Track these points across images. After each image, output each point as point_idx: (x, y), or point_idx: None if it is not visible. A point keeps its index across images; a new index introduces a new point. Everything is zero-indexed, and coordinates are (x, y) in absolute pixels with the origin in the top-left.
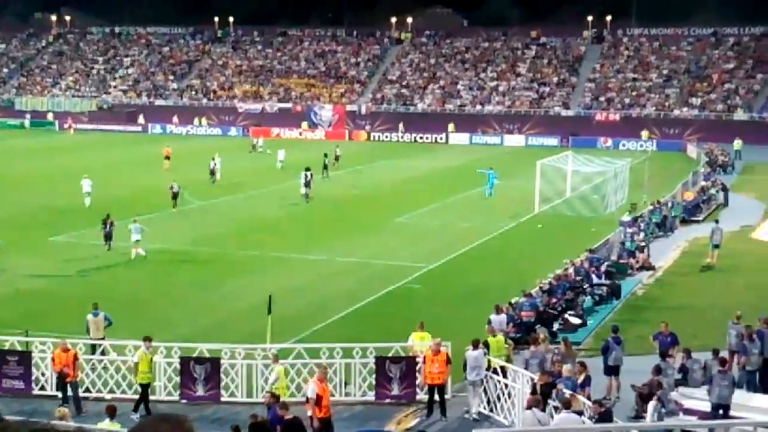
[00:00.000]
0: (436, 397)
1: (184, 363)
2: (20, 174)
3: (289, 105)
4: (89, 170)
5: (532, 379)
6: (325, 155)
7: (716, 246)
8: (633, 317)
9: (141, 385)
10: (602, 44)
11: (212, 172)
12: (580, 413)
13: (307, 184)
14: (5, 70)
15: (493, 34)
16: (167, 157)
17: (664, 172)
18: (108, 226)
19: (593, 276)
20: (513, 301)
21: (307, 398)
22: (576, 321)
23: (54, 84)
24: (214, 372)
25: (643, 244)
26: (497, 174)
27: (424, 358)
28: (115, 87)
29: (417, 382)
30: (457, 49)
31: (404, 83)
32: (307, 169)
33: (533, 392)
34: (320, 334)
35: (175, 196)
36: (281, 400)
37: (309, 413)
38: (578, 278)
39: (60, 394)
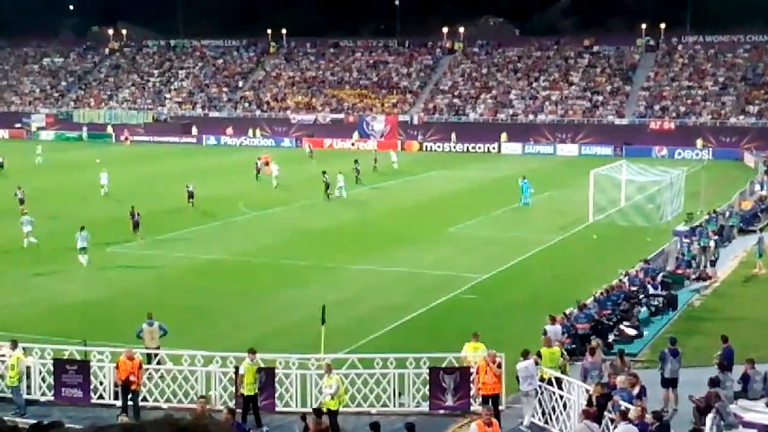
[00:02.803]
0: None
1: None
2: (78, 185)
3: (341, 116)
4: (145, 181)
5: (588, 391)
6: (356, 161)
7: (760, 255)
8: (690, 328)
9: (245, 396)
10: (656, 52)
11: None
12: (645, 425)
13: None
14: (63, 83)
15: (545, 43)
16: (267, 163)
17: (720, 181)
18: (135, 216)
19: (649, 286)
20: (567, 311)
21: None
22: (632, 332)
23: (111, 97)
24: (269, 381)
25: (714, 258)
26: (530, 183)
27: (478, 368)
28: (170, 99)
29: (471, 392)
30: (509, 58)
31: (456, 93)
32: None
33: (589, 404)
34: (373, 344)
35: (191, 195)
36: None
37: None
38: (633, 289)
39: (119, 403)
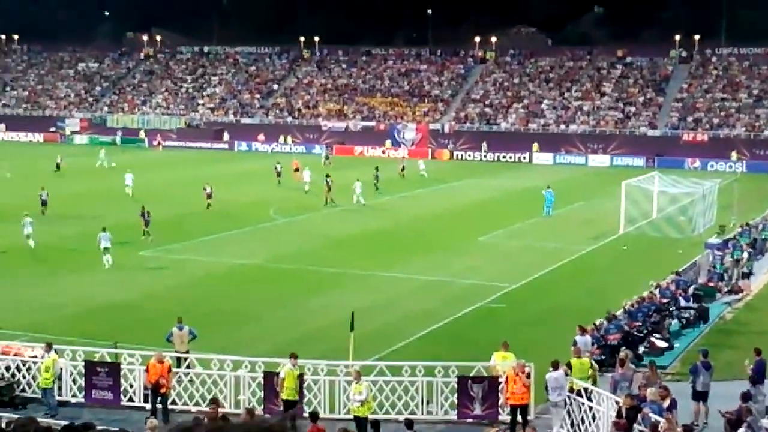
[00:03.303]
0: (519, 418)
1: (268, 378)
2: (109, 190)
3: (372, 123)
4: (176, 186)
5: (617, 403)
6: (376, 168)
7: None
8: (722, 342)
9: (285, 401)
10: (690, 64)
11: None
12: None
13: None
14: (98, 88)
15: (578, 53)
16: (296, 169)
17: (754, 194)
18: (147, 216)
19: (680, 299)
20: (597, 322)
21: None
22: (662, 344)
23: (144, 102)
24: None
25: (745, 270)
26: (554, 193)
27: (507, 378)
28: (202, 105)
29: (499, 402)
30: (541, 68)
31: (488, 102)
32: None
33: (618, 416)
34: (402, 352)
35: (209, 196)
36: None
37: None
38: (664, 301)
39: (148, 406)
